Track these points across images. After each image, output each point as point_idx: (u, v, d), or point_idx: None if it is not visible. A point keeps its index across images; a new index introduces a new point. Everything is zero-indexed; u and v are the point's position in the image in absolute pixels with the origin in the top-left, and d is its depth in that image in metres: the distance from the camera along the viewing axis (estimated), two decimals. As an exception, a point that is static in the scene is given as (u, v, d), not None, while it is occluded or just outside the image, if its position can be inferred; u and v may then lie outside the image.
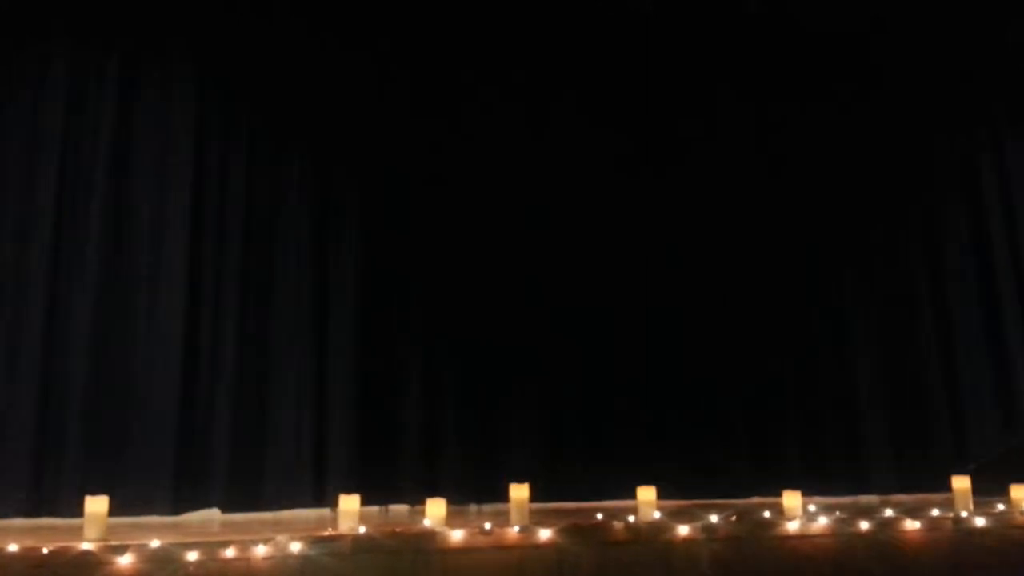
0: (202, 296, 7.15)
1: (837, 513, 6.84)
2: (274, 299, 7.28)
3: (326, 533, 5.89)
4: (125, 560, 5.54)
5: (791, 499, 6.99)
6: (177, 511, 6.92)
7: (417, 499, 7.00)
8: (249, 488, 7.08)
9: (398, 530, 6.01)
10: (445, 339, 7.53)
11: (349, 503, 6.14)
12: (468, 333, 7.50)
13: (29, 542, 5.61)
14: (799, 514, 6.78)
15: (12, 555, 5.42)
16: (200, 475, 7.01)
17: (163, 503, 6.88)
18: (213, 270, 7.19)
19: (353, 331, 7.45)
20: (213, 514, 7.06)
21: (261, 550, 5.72)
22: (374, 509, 7.16)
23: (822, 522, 6.74)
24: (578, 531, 6.24)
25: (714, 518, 6.55)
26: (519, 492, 6.44)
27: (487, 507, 7.39)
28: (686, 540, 6.27)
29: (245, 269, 7.19)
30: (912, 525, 6.73)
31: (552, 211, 7.39)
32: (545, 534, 6.19)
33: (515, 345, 7.59)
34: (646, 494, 6.73)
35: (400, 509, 7.35)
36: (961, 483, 7.15)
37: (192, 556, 5.67)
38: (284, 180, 7.39)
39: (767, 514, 6.81)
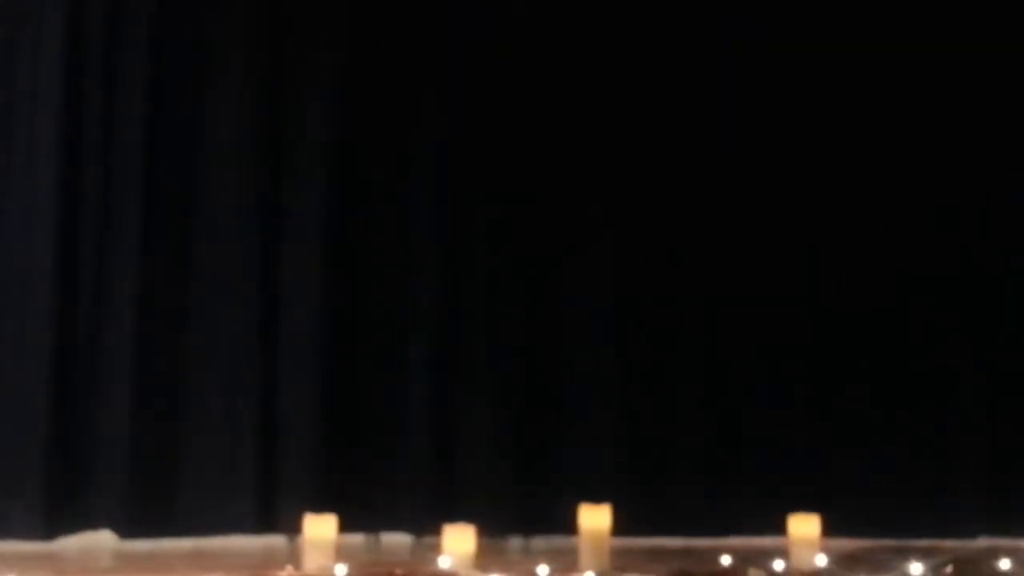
0: (80, 223, 6.27)
1: None
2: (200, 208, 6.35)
3: (281, 574, 5.33)
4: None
5: (1047, 540, 5.81)
6: (49, 534, 5.97)
7: (427, 525, 6.02)
8: (156, 502, 6.11)
9: (398, 573, 5.46)
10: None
11: (319, 528, 5.40)
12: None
13: None
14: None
15: None
16: (82, 481, 6.07)
17: (28, 523, 5.94)
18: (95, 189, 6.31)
19: (325, 243, 6.36)
20: (102, 540, 6.11)
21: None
22: (357, 538, 6.13)
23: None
24: (693, 584, 5.73)
25: (917, 569, 5.42)
26: (595, 519, 5.56)
27: (539, 541, 6.31)
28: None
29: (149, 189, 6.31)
30: None
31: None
32: (638, 589, 5.68)
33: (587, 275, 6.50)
34: (804, 526, 5.65)
35: (399, 540, 6.31)
36: None
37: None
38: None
39: (1007, 565, 5.64)
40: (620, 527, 5.67)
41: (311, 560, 5.33)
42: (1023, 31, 6.71)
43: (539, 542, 6.34)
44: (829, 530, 5.76)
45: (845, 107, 6.56)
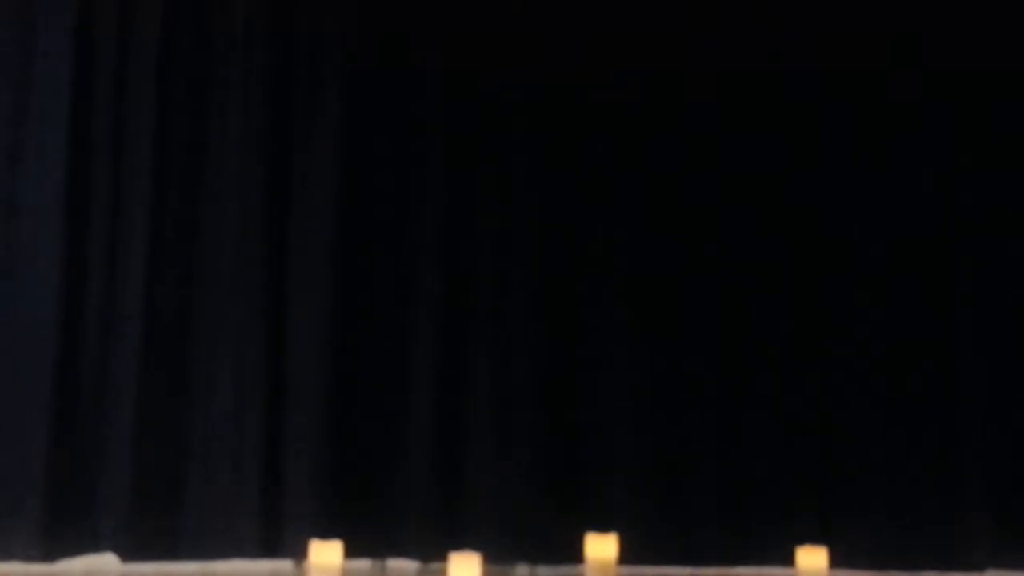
0: (87, 229, 6.13)
1: None
2: (201, 219, 6.25)
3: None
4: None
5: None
6: (51, 556, 5.84)
7: (433, 552, 6.00)
8: (160, 524, 5.98)
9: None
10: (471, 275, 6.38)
11: (325, 554, 5.53)
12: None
13: None
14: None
15: None
16: (85, 503, 5.95)
17: (29, 545, 5.83)
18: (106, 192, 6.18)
19: (330, 267, 6.29)
20: (105, 563, 5.97)
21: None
22: (363, 564, 6.08)
23: None
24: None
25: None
26: (602, 548, 5.66)
27: (546, 570, 6.19)
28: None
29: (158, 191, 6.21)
30: None
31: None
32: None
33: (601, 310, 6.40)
34: (812, 558, 5.68)
35: (405, 567, 6.19)
36: None
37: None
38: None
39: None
40: (627, 556, 5.65)
41: (315, 587, 5.32)
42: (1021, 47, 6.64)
43: (545, 571, 6.24)
44: (837, 562, 5.74)
45: (846, 108, 6.57)
